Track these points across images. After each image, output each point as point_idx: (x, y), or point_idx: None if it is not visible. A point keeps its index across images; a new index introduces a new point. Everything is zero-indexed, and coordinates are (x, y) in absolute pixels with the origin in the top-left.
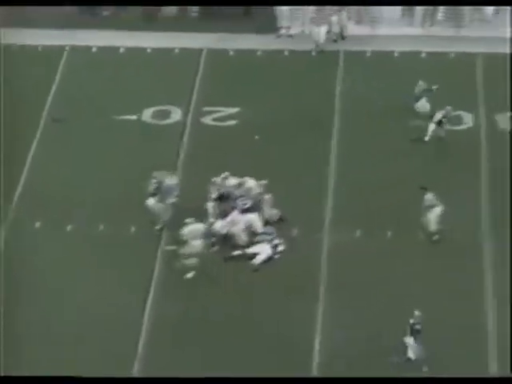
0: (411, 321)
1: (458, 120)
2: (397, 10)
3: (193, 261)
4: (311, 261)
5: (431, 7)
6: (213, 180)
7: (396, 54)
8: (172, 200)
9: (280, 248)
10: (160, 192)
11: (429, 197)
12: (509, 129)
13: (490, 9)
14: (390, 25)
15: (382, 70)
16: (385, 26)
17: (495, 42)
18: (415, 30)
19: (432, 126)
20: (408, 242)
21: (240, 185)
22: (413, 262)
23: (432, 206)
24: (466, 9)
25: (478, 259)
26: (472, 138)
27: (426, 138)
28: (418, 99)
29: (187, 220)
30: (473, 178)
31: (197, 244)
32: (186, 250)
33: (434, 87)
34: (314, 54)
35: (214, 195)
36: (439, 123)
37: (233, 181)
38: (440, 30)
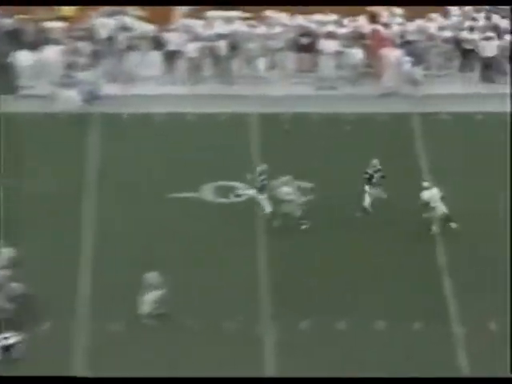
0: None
1: (228, 190)
2: (157, 67)
3: None
4: (62, 355)
5: (195, 63)
6: None
7: (157, 116)
8: None
9: (13, 340)
10: None
11: (152, 275)
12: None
13: (262, 64)
14: (149, 83)
15: (142, 133)
16: (144, 84)
17: (269, 101)
18: (179, 89)
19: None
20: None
21: None
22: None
23: (153, 287)
24: (235, 65)
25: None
26: (248, 209)
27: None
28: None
29: None
30: (250, 259)
31: None
32: None
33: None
34: (64, 116)
35: None
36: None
37: None
38: (207, 88)
